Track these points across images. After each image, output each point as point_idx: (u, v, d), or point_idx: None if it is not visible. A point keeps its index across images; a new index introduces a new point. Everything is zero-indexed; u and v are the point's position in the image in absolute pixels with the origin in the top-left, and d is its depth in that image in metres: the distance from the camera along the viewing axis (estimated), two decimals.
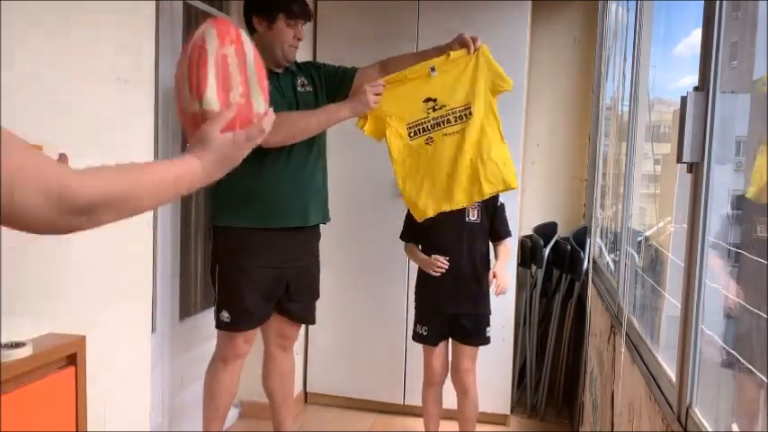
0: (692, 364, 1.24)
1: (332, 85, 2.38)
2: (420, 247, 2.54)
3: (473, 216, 2.45)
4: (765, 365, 1.05)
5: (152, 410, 2.02)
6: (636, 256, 2.13)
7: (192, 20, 2.69)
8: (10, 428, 1.19)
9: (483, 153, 2.18)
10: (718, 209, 1.27)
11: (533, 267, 3.27)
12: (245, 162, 2.30)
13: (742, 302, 1.26)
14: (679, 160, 1.24)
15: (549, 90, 3.49)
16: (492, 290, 2.41)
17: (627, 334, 1.80)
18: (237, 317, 2.26)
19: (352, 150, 3.02)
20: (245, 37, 1.02)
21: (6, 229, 0.75)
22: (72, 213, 0.78)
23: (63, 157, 0.96)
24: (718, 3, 1.19)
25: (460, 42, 2.19)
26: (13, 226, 0.71)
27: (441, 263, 2.42)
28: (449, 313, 2.48)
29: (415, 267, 2.70)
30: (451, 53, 2.19)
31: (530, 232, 3.38)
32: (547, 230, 3.33)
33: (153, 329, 2.35)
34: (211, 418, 2.37)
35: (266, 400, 2.59)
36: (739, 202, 1.38)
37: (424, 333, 2.54)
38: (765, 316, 1.07)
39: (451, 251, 2.44)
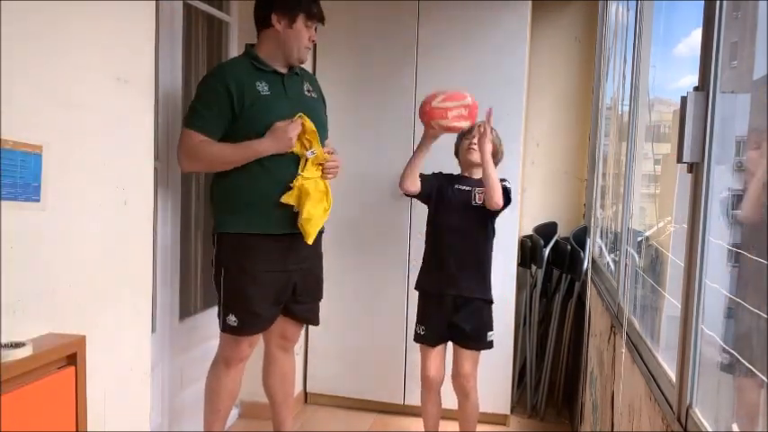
0: (692, 364, 1.24)
1: None
2: (426, 229, 2.59)
3: (479, 200, 2.46)
4: (765, 366, 1.05)
5: (152, 410, 2.01)
6: (636, 256, 2.12)
7: (192, 20, 2.69)
8: (10, 428, 1.19)
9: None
10: (718, 209, 1.27)
11: (533, 267, 3.27)
12: (248, 170, 2.33)
13: (742, 302, 1.26)
14: (679, 160, 1.24)
15: (549, 90, 3.49)
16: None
17: (627, 334, 1.80)
18: (245, 321, 2.25)
19: (352, 152, 3.02)
20: None
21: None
22: None
23: None
24: (718, 3, 1.19)
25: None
26: None
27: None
28: (452, 294, 2.47)
29: (415, 268, 2.71)
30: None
31: (530, 232, 3.38)
32: (547, 230, 3.33)
33: (153, 329, 2.35)
34: (212, 419, 2.37)
35: (266, 400, 2.59)
36: (739, 202, 1.38)
37: (422, 332, 2.55)
38: (765, 316, 1.07)
39: (457, 233, 2.48)
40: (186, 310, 2.72)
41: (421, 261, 2.62)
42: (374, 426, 3.12)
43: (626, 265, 2.11)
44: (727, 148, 1.24)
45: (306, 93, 2.35)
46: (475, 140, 2.45)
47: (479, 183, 2.48)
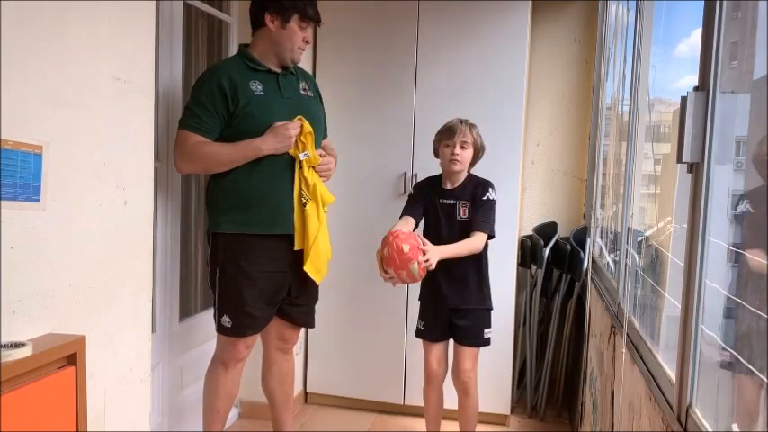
0: (692, 364, 1.24)
1: None
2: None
3: (464, 215, 2.46)
4: (765, 366, 1.05)
5: (152, 410, 2.01)
6: (636, 256, 2.12)
7: (192, 20, 2.69)
8: (10, 428, 1.19)
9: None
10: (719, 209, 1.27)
11: (533, 267, 3.27)
12: (245, 170, 2.33)
13: (742, 302, 1.26)
14: (679, 160, 1.24)
15: (549, 90, 3.49)
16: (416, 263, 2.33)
17: (627, 334, 1.80)
18: (240, 322, 2.25)
19: (352, 151, 3.02)
20: None
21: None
22: None
23: None
24: (718, 3, 1.19)
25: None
26: None
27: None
28: (448, 306, 2.48)
29: None
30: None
31: (530, 232, 3.38)
32: (547, 230, 3.33)
33: (153, 329, 2.35)
34: (211, 420, 2.37)
35: (266, 400, 2.59)
36: (739, 202, 1.38)
37: (422, 328, 2.57)
38: (765, 316, 1.07)
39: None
40: (186, 310, 2.72)
41: None
42: (374, 426, 3.12)
43: (626, 265, 2.11)
44: (727, 148, 1.24)
45: (302, 92, 2.35)
46: (457, 151, 2.41)
47: (462, 194, 2.47)
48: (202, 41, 2.81)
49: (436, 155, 2.55)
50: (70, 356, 1.38)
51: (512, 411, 3.16)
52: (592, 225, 3.19)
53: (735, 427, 1.19)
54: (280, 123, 2.17)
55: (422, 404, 2.75)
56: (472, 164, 2.52)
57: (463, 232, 2.45)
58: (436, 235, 2.48)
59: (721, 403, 1.27)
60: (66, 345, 1.36)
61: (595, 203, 3.19)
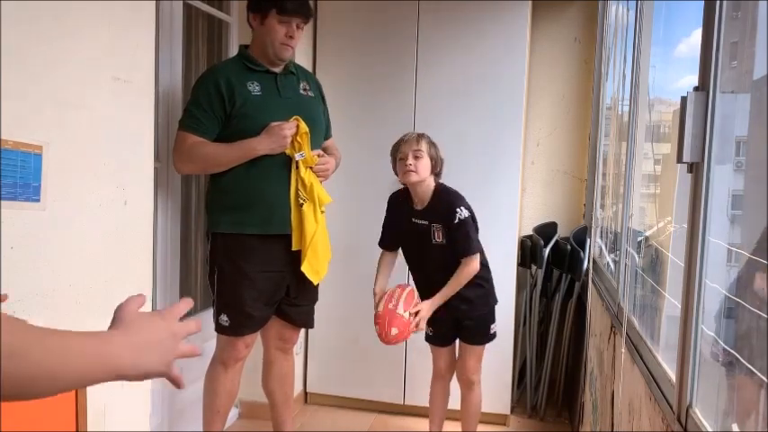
0: (691, 364, 1.24)
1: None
2: (406, 261, 2.59)
3: (438, 238, 2.39)
4: (765, 365, 1.05)
5: (152, 410, 2.01)
6: (636, 256, 2.12)
7: (192, 20, 2.69)
8: (10, 428, 1.19)
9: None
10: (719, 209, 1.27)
11: (533, 267, 3.27)
12: (242, 170, 2.32)
13: (742, 302, 1.26)
14: (679, 160, 1.24)
15: (549, 90, 3.49)
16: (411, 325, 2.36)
17: (627, 334, 1.80)
18: (237, 321, 2.25)
19: (352, 151, 3.02)
20: None
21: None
22: None
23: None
24: (718, 3, 1.19)
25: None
26: None
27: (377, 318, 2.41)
28: (447, 317, 2.48)
29: None
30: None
31: (530, 232, 3.38)
32: (547, 230, 3.33)
33: None
34: (211, 419, 2.37)
35: (266, 400, 2.59)
36: (739, 202, 1.38)
37: (430, 333, 2.58)
38: (765, 316, 1.07)
39: (425, 271, 2.49)
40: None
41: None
42: (374, 426, 3.12)
43: (626, 265, 2.11)
44: (727, 148, 1.24)
45: (302, 92, 2.35)
46: (410, 161, 2.32)
47: (434, 215, 2.37)
48: (202, 41, 2.81)
49: (395, 172, 2.44)
50: None
51: (512, 411, 3.16)
52: (592, 225, 3.19)
53: (735, 427, 1.19)
54: (275, 123, 2.16)
55: (422, 404, 2.75)
56: (437, 175, 2.42)
57: (441, 254, 2.39)
58: (414, 258, 2.50)
59: (721, 403, 1.27)
60: None
61: (595, 203, 3.19)
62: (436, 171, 2.41)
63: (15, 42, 1.27)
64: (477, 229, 2.42)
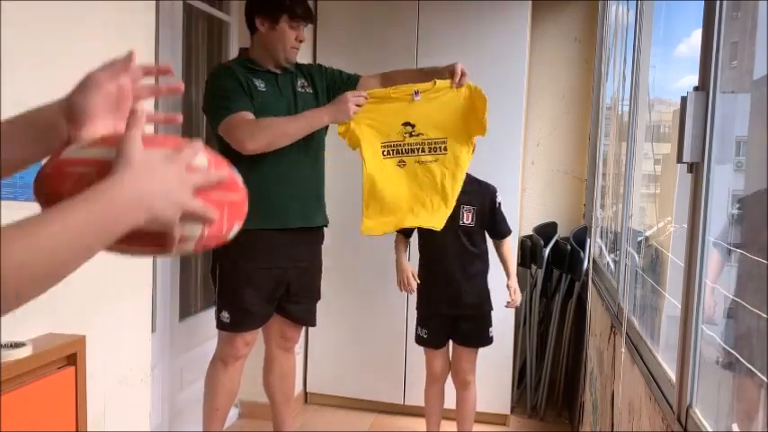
0: (692, 364, 1.24)
1: (334, 88, 2.39)
2: (419, 246, 2.54)
3: (467, 219, 2.41)
4: (765, 365, 1.05)
5: (152, 410, 2.02)
6: (636, 256, 2.12)
7: (192, 20, 2.69)
8: (10, 428, 1.19)
9: (449, 194, 2.23)
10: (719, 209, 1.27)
11: (533, 267, 3.27)
12: (246, 165, 2.31)
13: (742, 302, 1.26)
14: (679, 160, 1.24)
15: (549, 90, 3.49)
16: (509, 300, 2.47)
17: (627, 334, 1.80)
18: (237, 317, 2.26)
19: (353, 152, 3.01)
20: None
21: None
22: None
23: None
24: (718, 3, 1.19)
25: (450, 71, 2.20)
26: None
27: (409, 287, 2.45)
28: (446, 314, 2.48)
29: (416, 267, 2.70)
30: (438, 82, 2.21)
31: (530, 232, 3.38)
32: (547, 230, 3.33)
33: (153, 329, 2.35)
34: (211, 419, 2.37)
35: (266, 400, 2.59)
36: (739, 202, 1.38)
37: (425, 336, 2.55)
38: (765, 316, 1.07)
39: (445, 255, 2.45)
40: (186, 310, 2.72)
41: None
42: (374, 426, 3.12)
43: (626, 265, 2.11)
44: (727, 148, 1.24)
45: (299, 89, 2.35)
46: None
47: (467, 197, 2.36)
48: (202, 41, 2.81)
49: None
50: (70, 356, 1.38)
51: (512, 411, 3.16)
52: (592, 225, 3.19)
53: (735, 427, 1.19)
54: (350, 95, 2.15)
55: (422, 404, 2.75)
56: None
57: (465, 236, 2.42)
58: (434, 245, 2.43)
59: (721, 403, 1.27)
60: (66, 345, 1.36)
61: (595, 203, 3.19)
62: None
63: (15, 42, 1.27)
64: None
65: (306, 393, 3.35)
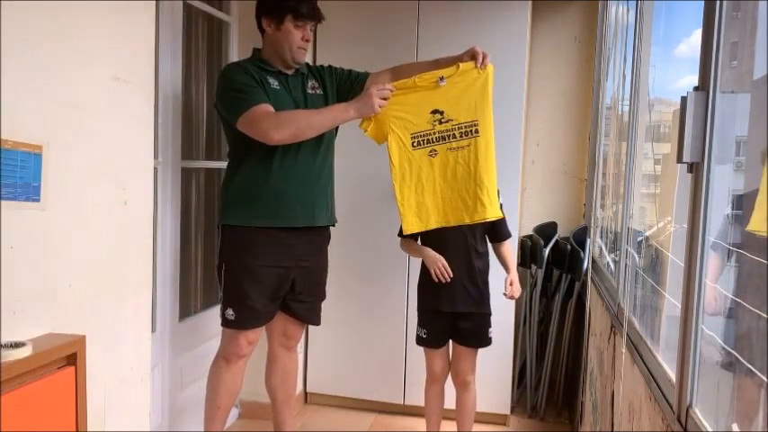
0: (692, 364, 1.24)
1: (343, 88, 2.39)
2: (421, 243, 2.53)
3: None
4: (765, 365, 1.05)
5: (152, 410, 2.02)
6: (636, 256, 2.12)
7: (192, 20, 2.69)
8: (10, 428, 1.19)
9: (485, 177, 2.18)
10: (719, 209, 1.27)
11: (533, 267, 3.27)
12: (253, 162, 2.32)
13: (742, 302, 1.26)
14: (679, 160, 1.24)
15: (549, 89, 3.49)
16: (506, 292, 2.46)
17: (627, 334, 1.80)
18: (242, 315, 2.26)
19: (354, 151, 3.02)
20: None
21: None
22: None
23: None
24: (718, 3, 1.19)
25: (470, 54, 2.19)
26: None
27: (445, 271, 2.39)
28: (446, 312, 2.48)
29: (415, 268, 2.70)
30: (461, 65, 2.19)
31: (530, 232, 3.38)
32: (547, 230, 3.33)
33: (153, 329, 2.35)
34: (212, 417, 2.37)
35: (267, 400, 2.59)
36: (739, 201, 1.38)
37: (424, 336, 2.55)
38: (765, 316, 1.07)
39: (450, 254, 2.44)
40: (186, 310, 2.72)
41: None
42: (374, 426, 3.12)
43: (626, 265, 2.11)
44: (727, 148, 1.24)
45: (309, 90, 2.35)
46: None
47: None
48: (202, 41, 2.81)
49: None
50: (70, 356, 1.38)
51: (512, 411, 3.16)
52: (592, 225, 3.19)
53: (735, 427, 1.19)
54: (375, 89, 2.14)
55: (422, 404, 2.75)
56: None
57: (469, 239, 2.43)
58: (438, 243, 2.43)
59: (721, 403, 1.27)
60: (66, 345, 1.36)
61: (595, 203, 3.19)
62: None
63: (15, 42, 1.27)
64: None
65: (306, 393, 3.35)
